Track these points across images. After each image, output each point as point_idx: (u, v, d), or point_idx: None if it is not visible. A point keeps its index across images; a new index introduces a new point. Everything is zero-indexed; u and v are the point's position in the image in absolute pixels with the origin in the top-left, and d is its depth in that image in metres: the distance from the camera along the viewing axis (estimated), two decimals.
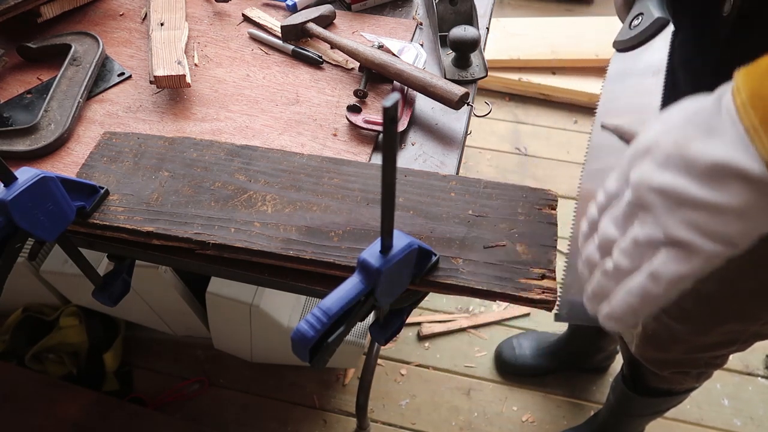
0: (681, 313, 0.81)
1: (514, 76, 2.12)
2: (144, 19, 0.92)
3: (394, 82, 0.78)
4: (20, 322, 1.43)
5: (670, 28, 0.58)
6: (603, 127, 0.58)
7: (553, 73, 2.13)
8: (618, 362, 1.50)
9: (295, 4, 0.90)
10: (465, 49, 0.79)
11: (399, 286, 0.52)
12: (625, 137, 0.55)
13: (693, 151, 0.37)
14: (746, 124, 0.35)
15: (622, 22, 0.64)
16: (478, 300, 1.62)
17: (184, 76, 0.77)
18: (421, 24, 0.90)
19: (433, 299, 1.64)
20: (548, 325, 1.60)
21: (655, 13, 0.58)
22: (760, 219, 0.37)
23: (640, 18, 0.59)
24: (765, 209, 0.36)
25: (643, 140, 0.41)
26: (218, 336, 1.45)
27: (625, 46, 0.60)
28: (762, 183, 0.35)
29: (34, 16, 0.86)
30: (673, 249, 0.38)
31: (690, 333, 0.83)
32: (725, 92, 0.37)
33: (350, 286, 0.46)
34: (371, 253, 0.46)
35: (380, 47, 0.82)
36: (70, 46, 0.83)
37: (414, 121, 0.77)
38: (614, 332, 1.03)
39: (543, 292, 0.55)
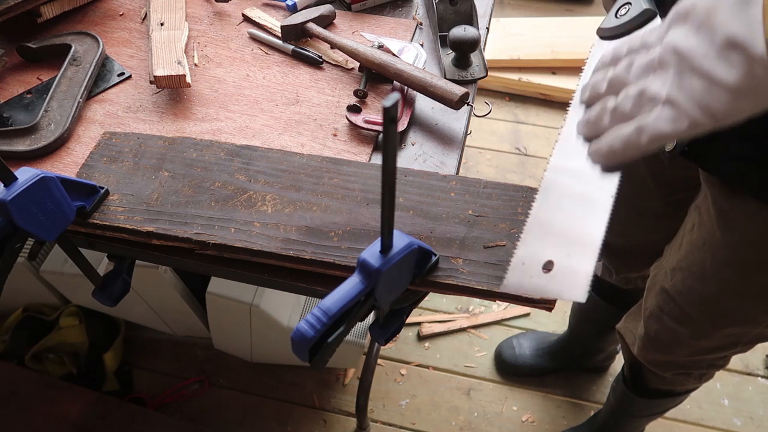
0: (683, 315, 0.81)
1: (514, 76, 2.12)
2: (144, 19, 0.92)
3: (394, 82, 0.78)
4: (20, 322, 1.43)
5: (657, 20, 0.58)
6: None
7: (553, 73, 2.13)
8: (618, 362, 1.50)
9: (295, 4, 0.90)
10: (465, 49, 0.79)
11: (399, 286, 0.52)
12: None
13: (717, 21, 0.38)
14: (765, 1, 0.36)
15: (607, 11, 0.64)
16: (478, 300, 1.62)
17: (184, 76, 0.77)
18: (421, 24, 0.90)
19: (433, 299, 1.64)
20: (548, 325, 1.60)
21: (644, 4, 0.58)
22: (748, 101, 0.38)
23: (627, 8, 0.59)
24: (756, 92, 0.38)
25: (685, 3, 0.42)
26: (218, 336, 1.45)
27: (610, 34, 0.60)
28: (761, 64, 0.36)
29: (34, 16, 0.86)
30: (666, 108, 0.41)
31: (692, 336, 0.83)
32: None
33: (350, 286, 0.46)
34: (371, 253, 0.46)
35: (380, 47, 0.82)
36: (70, 46, 0.83)
37: (414, 121, 0.77)
38: (616, 335, 1.02)
39: None
